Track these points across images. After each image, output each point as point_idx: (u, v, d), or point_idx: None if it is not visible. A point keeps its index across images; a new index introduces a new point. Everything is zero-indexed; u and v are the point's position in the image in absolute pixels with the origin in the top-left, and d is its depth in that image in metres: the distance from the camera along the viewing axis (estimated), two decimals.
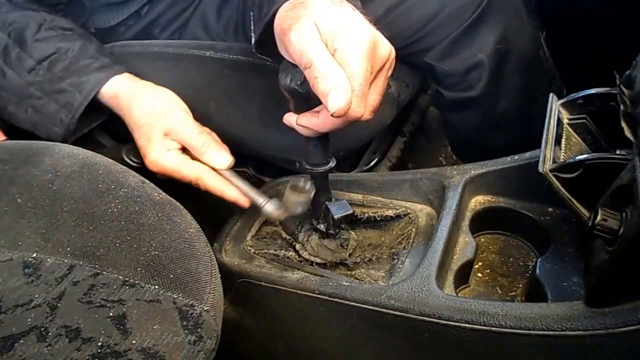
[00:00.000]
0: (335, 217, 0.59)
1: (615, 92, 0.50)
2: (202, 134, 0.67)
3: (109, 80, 0.69)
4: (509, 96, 0.81)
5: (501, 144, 0.84)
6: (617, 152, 0.49)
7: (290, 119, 0.54)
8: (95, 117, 0.74)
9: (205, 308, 0.46)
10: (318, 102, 0.49)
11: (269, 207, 0.64)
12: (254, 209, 0.71)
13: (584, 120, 0.56)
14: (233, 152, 0.70)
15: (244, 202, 0.66)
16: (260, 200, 0.64)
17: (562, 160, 0.51)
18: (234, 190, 0.66)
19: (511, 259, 0.60)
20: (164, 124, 0.67)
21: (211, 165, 0.66)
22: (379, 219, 0.66)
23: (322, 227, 0.62)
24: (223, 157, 0.67)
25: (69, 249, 0.46)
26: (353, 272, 0.61)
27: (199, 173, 0.66)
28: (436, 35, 0.76)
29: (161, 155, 0.66)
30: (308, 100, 0.51)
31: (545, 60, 0.83)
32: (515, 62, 0.79)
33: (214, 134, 0.71)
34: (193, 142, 0.67)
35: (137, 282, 0.45)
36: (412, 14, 0.76)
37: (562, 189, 0.51)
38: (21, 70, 0.67)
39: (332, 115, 0.45)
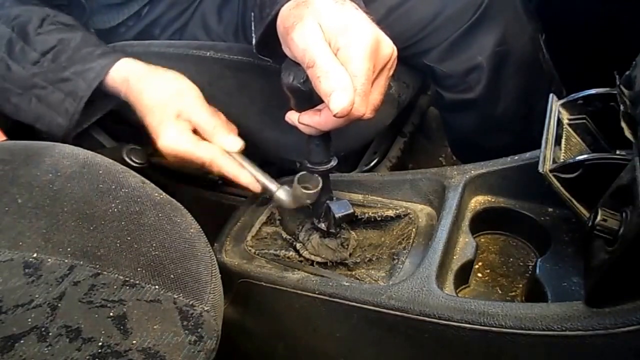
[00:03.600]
0: (337, 216, 0.59)
1: (615, 92, 0.50)
2: (213, 116, 0.67)
3: (117, 66, 0.69)
4: (508, 98, 0.81)
5: (501, 146, 0.84)
6: (617, 152, 0.49)
7: (292, 117, 0.54)
8: (98, 110, 0.73)
9: (206, 308, 0.46)
10: (320, 101, 0.49)
11: (281, 193, 0.63)
12: (253, 209, 0.71)
13: (584, 121, 0.56)
14: None
15: (256, 187, 0.66)
16: (273, 186, 0.64)
17: (562, 160, 0.51)
18: (247, 174, 0.66)
19: (511, 259, 0.61)
20: (176, 105, 0.66)
21: (222, 148, 0.66)
22: (379, 219, 0.66)
23: (323, 226, 0.62)
24: (234, 140, 0.67)
25: (69, 249, 0.46)
26: (353, 272, 0.61)
27: (213, 154, 0.65)
28: (435, 37, 0.76)
29: (174, 136, 0.66)
30: (310, 99, 0.51)
31: (544, 62, 0.83)
32: (515, 64, 0.79)
33: (223, 117, 0.70)
34: (205, 124, 0.66)
35: (137, 282, 0.45)
36: (411, 15, 0.76)
37: (562, 189, 0.51)
38: (26, 63, 0.67)
39: (334, 115, 0.45)
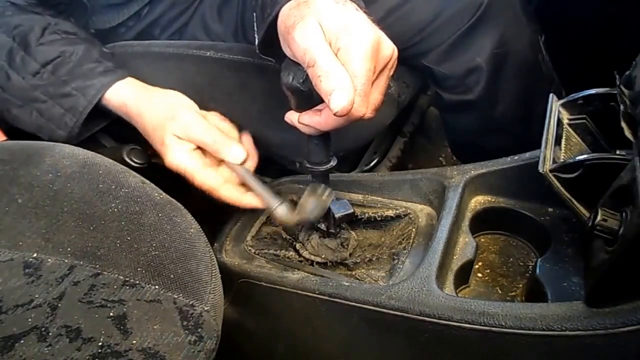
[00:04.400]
0: (337, 216, 0.59)
1: (615, 92, 0.50)
2: (210, 129, 0.67)
3: (114, 88, 0.69)
4: (507, 100, 0.81)
5: (500, 147, 0.83)
6: (617, 152, 0.49)
7: (292, 117, 0.54)
8: (99, 121, 0.73)
9: (206, 308, 0.46)
10: (320, 101, 0.49)
11: (280, 210, 0.62)
12: (254, 209, 0.71)
13: (584, 121, 0.56)
14: None
15: (260, 205, 0.65)
16: (272, 203, 0.63)
17: (562, 160, 0.51)
18: (248, 198, 0.65)
19: (511, 259, 0.61)
20: (173, 125, 0.67)
21: (226, 161, 0.66)
22: (379, 219, 0.66)
23: (322, 226, 0.62)
24: (236, 152, 0.66)
25: (69, 249, 0.46)
26: (353, 272, 0.61)
27: (213, 185, 0.65)
28: (434, 39, 0.76)
29: (178, 158, 0.66)
30: (310, 99, 0.51)
31: (544, 64, 0.83)
32: (514, 66, 0.79)
33: (224, 125, 0.69)
34: (204, 140, 0.66)
35: (137, 282, 0.45)
36: (410, 17, 0.76)
37: (562, 189, 0.51)
38: (25, 73, 0.67)
39: (334, 114, 0.45)
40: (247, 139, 0.72)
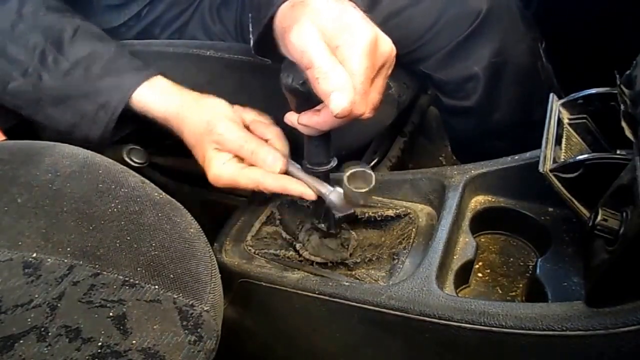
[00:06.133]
0: (337, 216, 0.59)
1: (615, 92, 0.50)
2: (248, 141, 0.65)
3: (147, 91, 0.68)
4: (504, 107, 0.81)
5: (499, 151, 0.83)
6: (618, 152, 0.49)
7: (291, 118, 0.54)
8: (131, 121, 0.72)
9: (206, 308, 0.46)
10: (320, 101, 0.49)
11: (333, 197, 0.59)
12: (253, 209, 0.71)
13: (585, 120, 0.56)
14: None
15: (310, 194, 0.61)
16: (324, 190, 0.60)
17: (562, 160, 0.51)
18: (296, 185, 0.62)
19: (511, 259, 0.60)
20: (210, 139, 0.65)
21: (266, 170, 0.64)
22: (379, 219, 0.66)
23: (323, 226, 0.62)
24: (274, 161, 0.63)
25: (69, 249, 0.46)
26: (353, 272, 0.61)
27: (255, 179, 0.63)
28: (432, 46, 0.76)
29: (218, 169, 0.65)
30: (309, 100, 0.51)
31: (542, 71, 0.82)
32: (512, 74, 0.78)
33: (265, 126, 0.68)
34: (241, 152, 0.65)
35: (137, 282, 0.45)
36: (409, 24, 0.76)
37: (562, 189, 0.51)
38: (57, 72, 0.67)
39: (335, 115, 0.45)
40: (277, 131, 0.69)
